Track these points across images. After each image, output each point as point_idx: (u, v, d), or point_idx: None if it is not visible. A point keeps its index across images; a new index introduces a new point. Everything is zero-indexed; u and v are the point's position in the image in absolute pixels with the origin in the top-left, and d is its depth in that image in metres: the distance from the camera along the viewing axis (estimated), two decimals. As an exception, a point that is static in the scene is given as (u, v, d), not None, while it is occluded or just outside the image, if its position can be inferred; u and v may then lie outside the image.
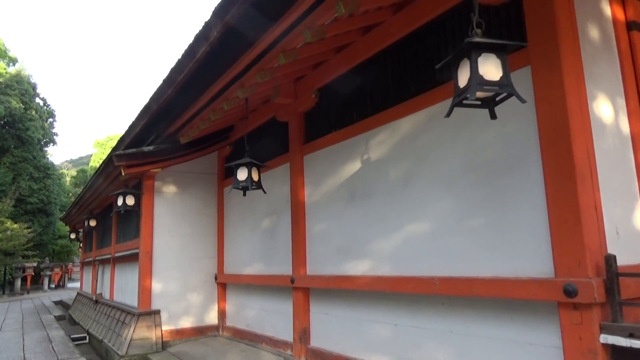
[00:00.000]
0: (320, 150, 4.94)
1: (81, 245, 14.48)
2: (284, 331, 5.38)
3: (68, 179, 44.04)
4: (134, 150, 6.17)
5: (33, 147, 27.45)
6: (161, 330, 6.38)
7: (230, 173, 7.21)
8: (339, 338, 4.49)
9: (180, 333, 6.62)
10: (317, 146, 5.00)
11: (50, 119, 30.62)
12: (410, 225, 3.72)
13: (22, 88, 27.34)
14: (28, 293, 22.85)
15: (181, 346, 6.35)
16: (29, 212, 25.86)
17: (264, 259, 5.92)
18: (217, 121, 5.84)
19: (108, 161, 6.20)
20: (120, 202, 6.52)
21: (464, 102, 2.48)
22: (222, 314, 6.95)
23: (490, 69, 2.29)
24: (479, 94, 2.36)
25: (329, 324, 4.66)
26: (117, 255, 8.42)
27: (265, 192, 5.01)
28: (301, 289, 5.00)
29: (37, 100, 29.90)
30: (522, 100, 2.29)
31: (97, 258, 10.49)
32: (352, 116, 4.54)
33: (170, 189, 6.94)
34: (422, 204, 3.64)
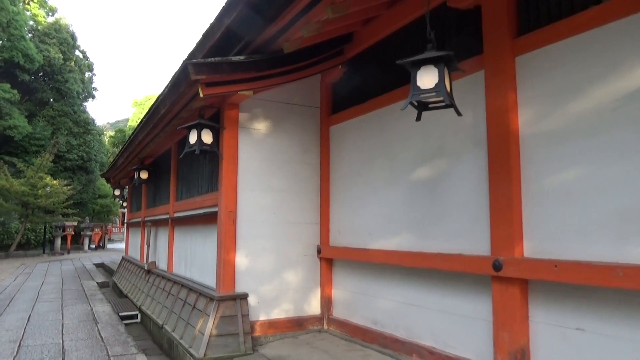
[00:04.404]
0: (564, 40, 2.78)
1: (126, 203, 12.86)
2: (464, 345, 3.36)
3: (106, 139, 43.18)
4: (218, 59, 4.13)
5: (73, 100, 26.05)
6: (249, 323, 4.49)
7: (340, 106, 5.16)
8: (623, 379, 2.43)
9: (273, 326, 4.72)
10: (553, 35, 2.83)
11: (90, 73, 29.17)
12: None
13: (61, 37, 25.79)
14: (68, 253, 21.85)
15: (278, 346, 4.45)
16: (68, 169, 24.67)
17: (413, 228, 3.87)
18: (353, 11, 3.74)
19: (179, 75, 4.19)
20: (193, 138, 4.54)
21: None
22: (327, 302, 5.00)
23: None
24: None
25: (586, 350, 2.59)
26: (177, 215, 6.56)
27: (460, 114, 2.90)
28: (515, 282, 2.93)
29: (77, 52, 28.41)
30: None
31: (147, 218, 8.72)
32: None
33: (259, 124, 4.93)
34: None
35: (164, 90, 4.82)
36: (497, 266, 2.98)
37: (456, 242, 3.42)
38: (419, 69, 2.79)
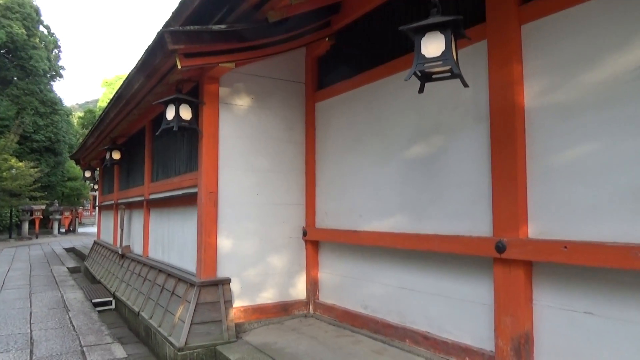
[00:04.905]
0: (576, 6, 2.60)
1: (97, 185, 12.36)
2: (462, 330, 3.22)
3: (75, 120, 41.68)
4: (197, 27, 3.81)
5: (38, 79, 24.91)
6: (232, 309, 4.27)
7: (327, 82, 4.91)
8: (637, 365, 2.31)
9: (257, 312, 4.51)
10: (563, 1, 2.65)
11: (56, 50, 27.91)
12: None
13: (25, 12, 24.50)
14: (37, 238, 21.12)
15: (263, 333, 4.25)
16: (35, 151, 23.71)
17: (408, 208, 3.69)
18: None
19: (155, 45, 3.86)
20: (171, 114, 4.23)
21: None
22: (313, 286, 4.82)
23: None
24: None
25: (595, 334, 2.47)
26: (153, 197, 6.24)
27: (466, 85, 2.69)
28: (519, 264, 2.78)
29: (41, 28, 27.09)
30: None
31: (121, 201, 8.34)
32: None
33: (241, 100, 4.64)
34: None
35: (138, 62, 4.47)
36: (500, 248, 2.83)
37: (455, 222, 3.25)
38: (423, 35, 2.57)
